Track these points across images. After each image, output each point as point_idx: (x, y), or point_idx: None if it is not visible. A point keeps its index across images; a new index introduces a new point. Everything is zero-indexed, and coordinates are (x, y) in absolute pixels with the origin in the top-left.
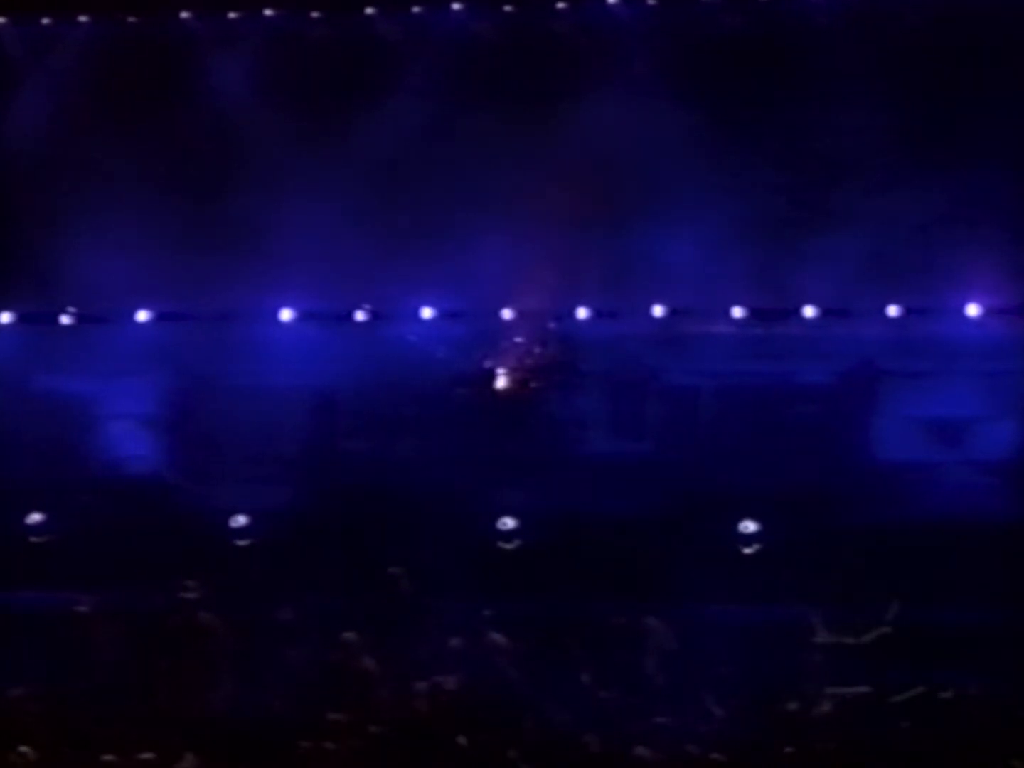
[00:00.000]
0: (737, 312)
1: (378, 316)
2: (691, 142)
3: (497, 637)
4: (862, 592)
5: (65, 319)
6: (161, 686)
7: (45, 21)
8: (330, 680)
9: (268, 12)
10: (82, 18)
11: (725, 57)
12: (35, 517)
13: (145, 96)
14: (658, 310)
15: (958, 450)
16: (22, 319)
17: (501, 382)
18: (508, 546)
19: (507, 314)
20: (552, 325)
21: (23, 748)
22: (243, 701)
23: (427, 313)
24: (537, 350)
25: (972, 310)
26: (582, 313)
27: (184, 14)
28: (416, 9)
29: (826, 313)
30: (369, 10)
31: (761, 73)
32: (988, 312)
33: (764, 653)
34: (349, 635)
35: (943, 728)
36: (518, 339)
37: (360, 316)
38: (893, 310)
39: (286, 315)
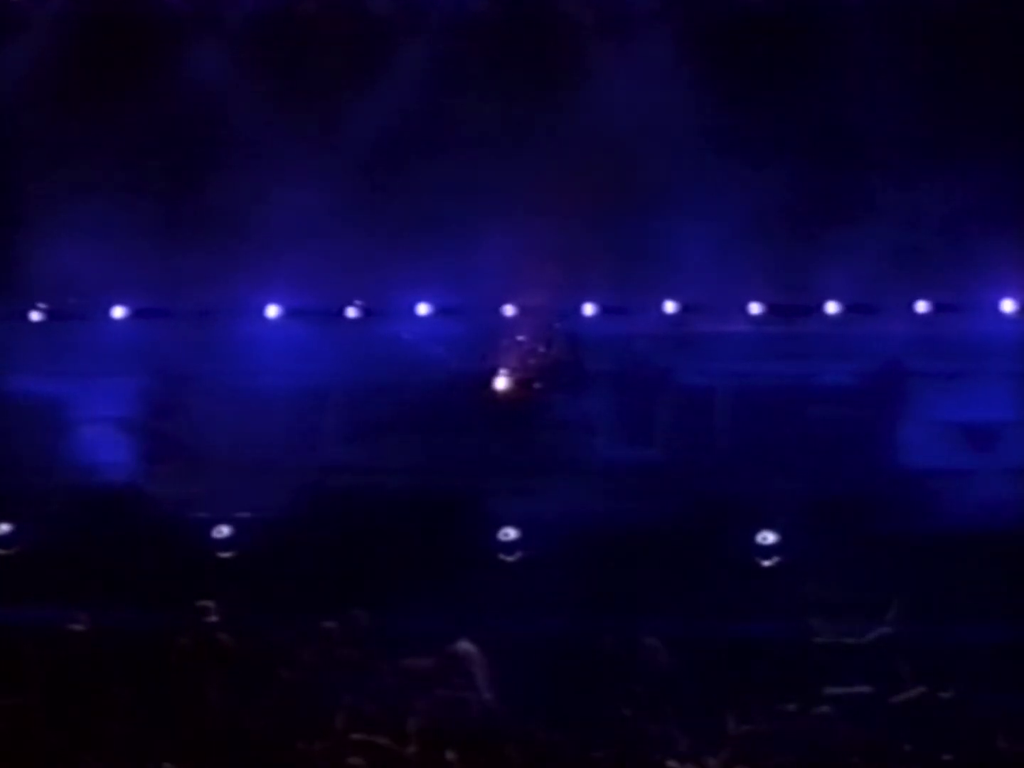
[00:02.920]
0: (755, 308)
1: (371, 313)
2: (706, 127)
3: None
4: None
5: (35, 315)
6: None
7: None
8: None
9: None
10: None
11: (742, 37)
12: (2, 528)
13: (123, 79)
14: (670, 306)
15: (992, 456)
16: None
17: (502, 383)
18: (510, 558)
19: (509, 311)
20: (557, 322)
21: None
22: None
23: (423, 309)
24: (541, 349)
25: (1007, 306)
26: (589, 309)
27: None
28: None
29: (850, 309)
30: None
31: (781, 54)
32: None
33: (786, 671)
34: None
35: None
36: (520, 337)
37: (351, 313)
38: (922, 306)
39: (272, 311)
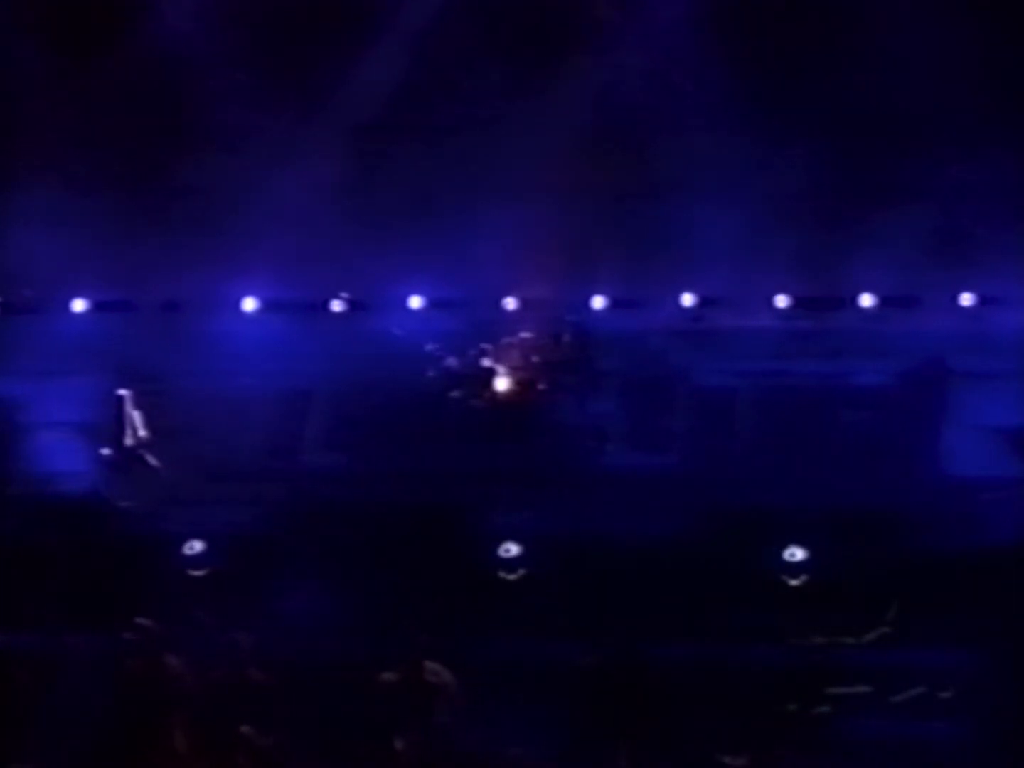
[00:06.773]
0: (781, 301)
1: (358, 306)
2: (728, 104)
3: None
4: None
5: None
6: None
7: None
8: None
9: None
10: None
11: (767, 8)
12: None
13: (82, 56)
14: (688, 299)
15: None
16: None
17: (503, 384)
18: (511, 576)
19: (510, 304)
20: (563, 317)
21: None
22: None
23: (416, 302)
24: (546, 346)
25: None
26: (598, 302)
27: None
28: None
29: (887, 303)
30: None
31: (810, 27)
32: None
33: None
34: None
35: None
36: (523, 333)
37: (337, 306)
38: (966, 299)
39: (249, 304)
